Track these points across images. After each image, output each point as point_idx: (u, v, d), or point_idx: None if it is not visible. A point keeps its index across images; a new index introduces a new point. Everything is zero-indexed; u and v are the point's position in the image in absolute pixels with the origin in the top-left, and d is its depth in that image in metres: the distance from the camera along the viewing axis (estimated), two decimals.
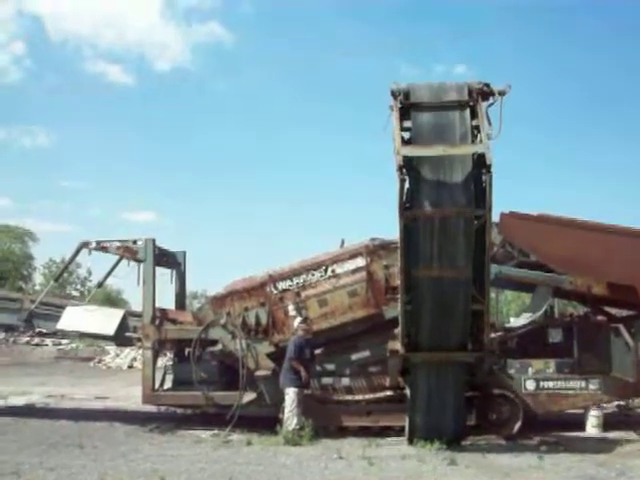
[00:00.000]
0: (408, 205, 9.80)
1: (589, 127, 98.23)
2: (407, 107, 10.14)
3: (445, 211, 9.67)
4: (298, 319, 12.27)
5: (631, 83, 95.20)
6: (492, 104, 10.10)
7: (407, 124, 10.21)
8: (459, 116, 10.03)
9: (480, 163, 9.77)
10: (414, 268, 9.98)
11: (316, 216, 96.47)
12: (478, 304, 10.25)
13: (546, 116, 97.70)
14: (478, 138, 9.98)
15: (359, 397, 12.53)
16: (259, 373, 12.67)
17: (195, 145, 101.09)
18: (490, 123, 10.06)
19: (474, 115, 10.04)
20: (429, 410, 11.17)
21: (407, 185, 9.78)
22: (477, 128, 10.01)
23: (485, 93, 10.07)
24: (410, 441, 11.16)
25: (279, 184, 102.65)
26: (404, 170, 9.59)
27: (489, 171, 9.55)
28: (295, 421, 11.66)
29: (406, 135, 10.23)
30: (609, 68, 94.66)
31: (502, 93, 10.00)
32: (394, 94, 10.08)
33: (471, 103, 10.06)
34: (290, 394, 11.84)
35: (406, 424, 11.53)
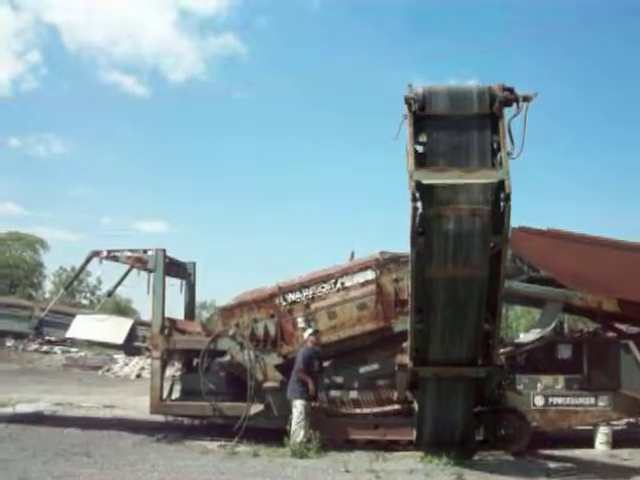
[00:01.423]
0: (421, 230, 9.16)
1: (605, 143, 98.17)
2: (422, 118, 9.12)
3: (460, 210, 8.92)
4: (309, 331, 12.27)
5: None
6: (516, 115, 9.08)
7: (422, 135, 9.24)
8: (479, 132, 9.09)
9: (499, 187, 9.00)
10: (427, 270, 9.36)
11: (329, 228, 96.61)
12: (488, 324, 9.99)
13: (561, 131, 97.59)
14: (498, 158, 9.11)
15: (367, 410, 12.51)
16: (267, 385, 12.67)
17: (208, 156, 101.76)
18: (512, 140, 9.08)
19: (495, 128, 9.11)
20: (437, 424, 11.16)
21: (420, 210, 9.10)
22: (498, 144, 9.09)
23: (508, 100, 9.04)
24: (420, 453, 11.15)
25: (292, 195, 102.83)
26: (417, 195, 8.92)
27: (508, 199, 8.81)
28: (302, 433, 11.64)
29: (420, 146, 9.26)
30: (630, 83, 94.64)
31: (527, 99, 8.99)
32: (409, 102, 9.03)
33: (493, 113, 9.06)
34: (297, 406, 11.82)
35: (414, 437, 11.53)
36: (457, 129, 9.08)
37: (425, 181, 8.89)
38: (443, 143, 9.12)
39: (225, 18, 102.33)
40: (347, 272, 12.71)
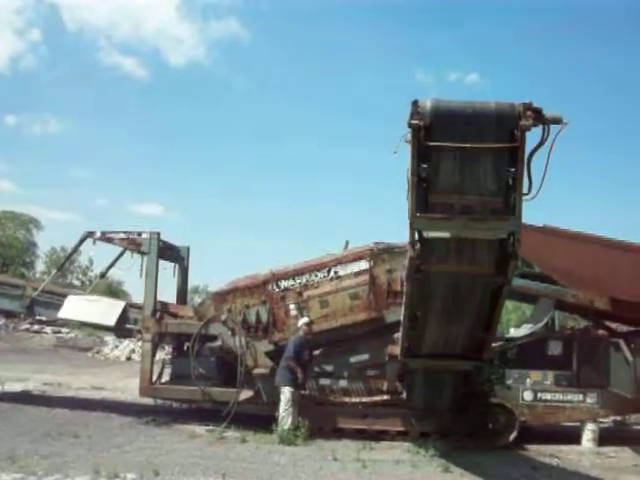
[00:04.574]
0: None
1: (609, 134, 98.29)
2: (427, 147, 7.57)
3: (469, 200, 7.73)
4: (304, 319, 12.29)
5: None
6: (540, 145, 7.53)
7: (426, 164, 7.69)
8: (494, 166, 7.58)
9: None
10: (425, 265, 8.33)
11: (324, 218, 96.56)
12: (482, 334, 9.81)
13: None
14: (511, 199, 7.68)
15: (356, 400, 12.53)
16: (257, 371, 12.67)
17: (207, 140, 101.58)
18: (530, 178, 7.68)
19: (513, 159, 7.54)
20: (425, 413, 11.21)
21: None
22: (513, 180, 7.62)
23: (534, 125, 7.39)
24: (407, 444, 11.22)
25: (288, 182, 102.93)
26: (416, 239, 8.05)
27: (515, 253, 8.00)
28: (290, 420, 11.67)
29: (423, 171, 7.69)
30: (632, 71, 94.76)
31: (557, 121, 7.39)
32: (415, 129, 7.41)
33: (513, 144, 7.44)
34: (285, 393, 11.85)
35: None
36: (468, 161, 7.60)
37: (427, 234, 8.04)
38: (450, 177, 7.67)
39: (228, 2, 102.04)
40: (341, 261, 12.69)
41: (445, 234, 8.02)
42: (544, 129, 7.47)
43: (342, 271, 12.59)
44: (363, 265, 12.55)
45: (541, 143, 7.55)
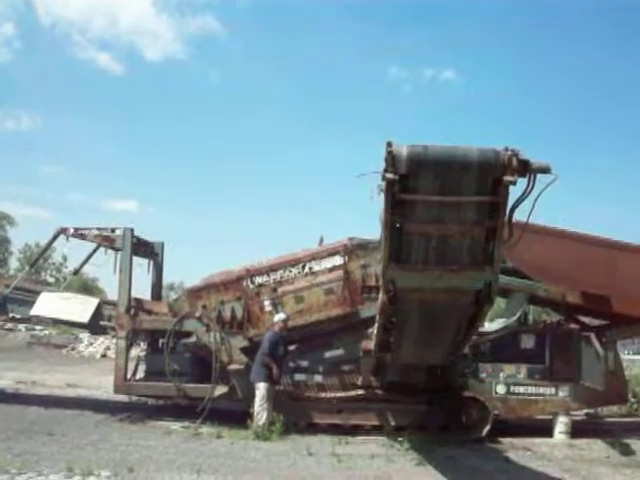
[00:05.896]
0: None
1: (583, 128, 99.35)
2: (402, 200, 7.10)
3: (448, 229, 7.24)
4: (280, 316, 12.29)
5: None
6: (525, 198, 7.06)
7: (400, 210, 7.19)
8: (472, 219, 7.18)
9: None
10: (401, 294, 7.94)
11: (303, 211, 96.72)
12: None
13: (538, 121, 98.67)
14: (489, 248, 7.43)
15: (331, 395, 12.57)
16: (232, 367, 12.67)
17: (182, 136, 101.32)
18: (511, 231, 7.35)
19: (494, 211, 7.13)
20: (399, 404, 11.72)
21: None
22: (493, 230, 7.27)
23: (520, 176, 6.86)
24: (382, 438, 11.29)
25: (266, 176, 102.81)
26: (390, 287, 7.77)
27: (491, 300, 7.86)
28: (265, 416, 11.69)
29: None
30: (606, 66, 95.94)
31: (545, 171, 6.85)
32: (389, 183, 6.81)
33: (495, 198, 7.01)
34: (260, 389, 11.86)
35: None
36: (446, 214, 7.16)
37: (400, 285, 7.69)
38: (429, 211, 7.20)
39: None
40: (315, 257, 12.70)
41: (420, 284, 7.66)
42: (530, 178, 6.94)
43: (316, 267, 12.60)
44: (337, 260, 12.58)
45: (526, 195, 7.07)
